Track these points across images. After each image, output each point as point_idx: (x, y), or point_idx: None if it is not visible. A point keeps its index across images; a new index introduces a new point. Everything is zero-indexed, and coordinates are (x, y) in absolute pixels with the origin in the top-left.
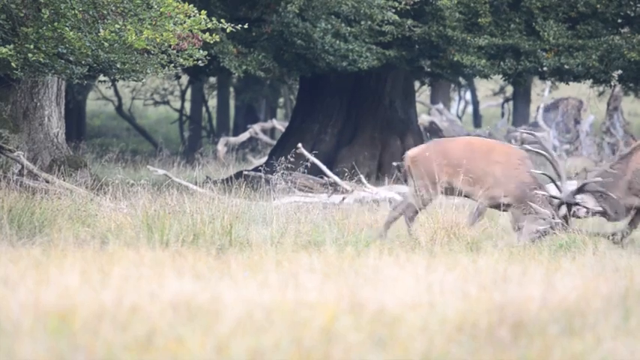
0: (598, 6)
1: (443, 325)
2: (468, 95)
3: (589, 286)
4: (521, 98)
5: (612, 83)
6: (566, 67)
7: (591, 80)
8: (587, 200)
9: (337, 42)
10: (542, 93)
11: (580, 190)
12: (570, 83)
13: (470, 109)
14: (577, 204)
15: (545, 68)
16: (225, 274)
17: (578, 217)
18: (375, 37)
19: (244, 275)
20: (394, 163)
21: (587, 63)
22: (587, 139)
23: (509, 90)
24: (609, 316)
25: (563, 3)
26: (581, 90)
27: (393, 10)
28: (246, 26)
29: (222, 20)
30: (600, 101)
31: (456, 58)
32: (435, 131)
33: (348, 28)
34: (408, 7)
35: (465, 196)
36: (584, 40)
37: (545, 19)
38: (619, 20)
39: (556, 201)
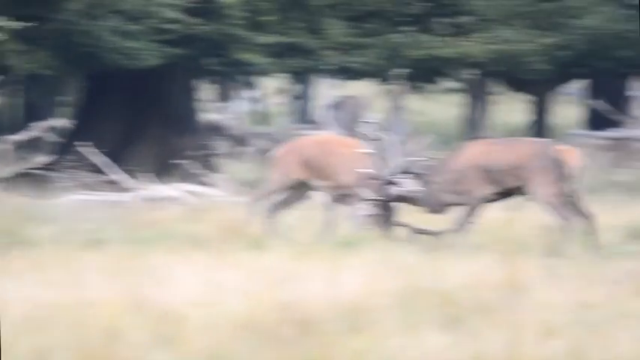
0: (383, 4)
1: (227, 323)
2: (252, 93)
3: (373, 283)
4: (305, 96)
5: (396, 81)
6: (350, 65)
7: (376, 78)
8: (406, 182)
9: (121, 40)
10: (326, 91)
11: (403, 168)
12: (354, 81)
13: (254, 107)
14: (391, 182)
15: (330, 66)
16: (8, 273)
17: (392, 197)
18: (159, 35)
19: None
20: (179, 161)
21: (371, 61)
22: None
23: (294, 88)
24: (393, 313)
25: (348, 1)
26: (365, 88)
27: (178, 8)
28: (30, 24)
29: (5, 18)
30: (384, 99)
31: (239, 56)
32: (220, 129)
33: (133, 26)
34: (192, 5)
35: (319, 190)
36: (369, 38)
37: (330, 17)
38: (403, 19)
39: (378, 181)
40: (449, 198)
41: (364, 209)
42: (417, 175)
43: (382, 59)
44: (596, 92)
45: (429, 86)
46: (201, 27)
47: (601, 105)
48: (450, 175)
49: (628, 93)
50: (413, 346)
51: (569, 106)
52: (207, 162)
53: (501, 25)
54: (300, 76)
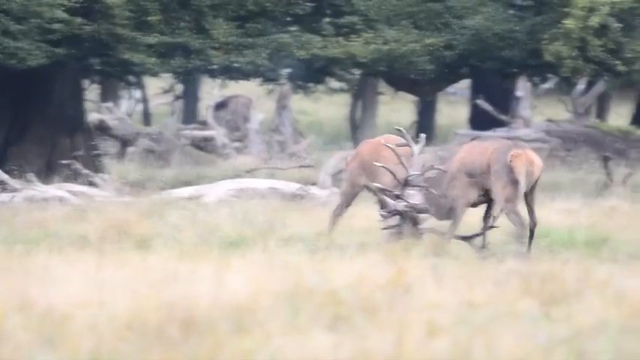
0: (267, 4)
1: (112, 324)
2: (138, 93)
3: (259, 283)
4: (190, 96)
5: (281, 81)
6: (235, 65)
7: (261, 78)
8: (415, 195)
9: (6, 40)
10: (211, 91)
11: (405, 183)
12: (240, 81)
13: (140, 107)
14: (398, 197)
15: (214, 66)
16: None
17: (398, 211)
18: (44, 35)
19: None
20: (65, 161)
21: (257, 61)
22: (256, 137)
23: (179, 88)
24: (278, 313)
25: (232, 1)
26: (250, 88)
27: (63, 8)
28: None
29: None
30: (269, 99)
31: (125, 56)
32: (105, 129)
33: (17, 26)
34: (77, 5)
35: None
36: (253, 38)
37: (215, 17)
38: (288, 19)
39: (392, 194)
40: (449, 203)
41: (386, 218)
42: (421, 187)
43: (267, 59)
44: (481, 92)
45: (314, 86)
46: (86, 27)
47: (486, 105)
48: (448, 177)
49: (513, 93)
50: (299, 346)
51: (454, 106)
52: (93, 162)
53: (386, 25)
54: (186, 76)
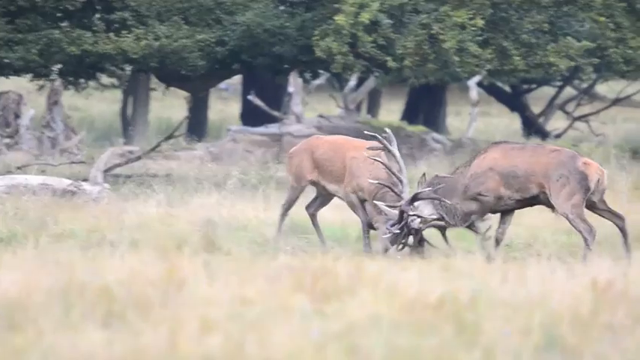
0: (37, 0)
1: None
2: None
3: (30, 280)
4: None
5: (52, 77)
6: (5, 61)
7: (31, 74)
8: (424, 208)
9: None
10: None
11: (414, 199)
12: (10, 77)
13: None
14: (412, 215)
15: None
16: None
17: (413, 229)
18: None
19: None
20: None
21: (27, 57)
22: (27, 134)
23: None
24: (50, 309)
25: None
26: (21, 84)
27: None
28: None
29: None
30: (40, 95)
31: None
32: None
33: None
34: None
35: (331, 193)
36: (23, 34)
37: None
38: (58, 14)
39: (396, 209)
40: (468, 206)
41: (388, 225)
42: (434, 201)
43: (37, 55)
44: (252, 88)
45: (85, 82)
46: None
47: (258, 101)
48: (465, 182)
49: (284, 89)
50: (72, 343)
51: (226, 102)
52: None
53: (157, 21)
54: None
